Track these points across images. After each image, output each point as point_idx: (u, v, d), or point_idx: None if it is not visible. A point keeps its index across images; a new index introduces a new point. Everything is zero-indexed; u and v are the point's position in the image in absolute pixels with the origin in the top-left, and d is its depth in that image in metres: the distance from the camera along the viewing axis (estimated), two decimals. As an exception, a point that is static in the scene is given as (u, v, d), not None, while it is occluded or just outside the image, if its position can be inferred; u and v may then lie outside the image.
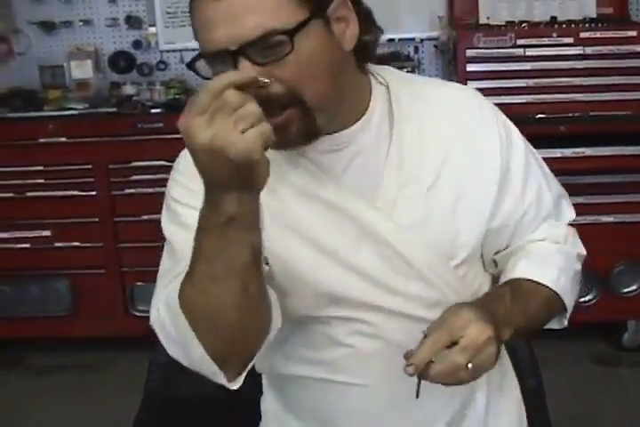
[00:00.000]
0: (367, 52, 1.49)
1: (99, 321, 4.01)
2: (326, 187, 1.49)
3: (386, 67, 1.61)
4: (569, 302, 1.56)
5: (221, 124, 1.18)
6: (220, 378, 1.38)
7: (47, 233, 4.06)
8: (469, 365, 1.30)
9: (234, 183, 1.22)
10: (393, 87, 1.55)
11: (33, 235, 4.06)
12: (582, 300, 3.75)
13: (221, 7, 1.33)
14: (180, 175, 1.54)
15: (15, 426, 3.60)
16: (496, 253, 1.62)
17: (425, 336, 1.33)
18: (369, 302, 1.52)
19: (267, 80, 1.28)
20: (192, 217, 1.35)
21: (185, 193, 1.51)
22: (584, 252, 1.65)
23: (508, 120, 1.61)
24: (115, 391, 3.72)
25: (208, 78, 1.37)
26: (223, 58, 1.35)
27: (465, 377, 1.31)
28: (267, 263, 1.41)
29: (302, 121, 1.39)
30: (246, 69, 1.32)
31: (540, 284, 1.54)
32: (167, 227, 1.55)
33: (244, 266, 1.29)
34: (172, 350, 1.41)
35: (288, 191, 1.50)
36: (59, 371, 4.09)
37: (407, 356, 1.32)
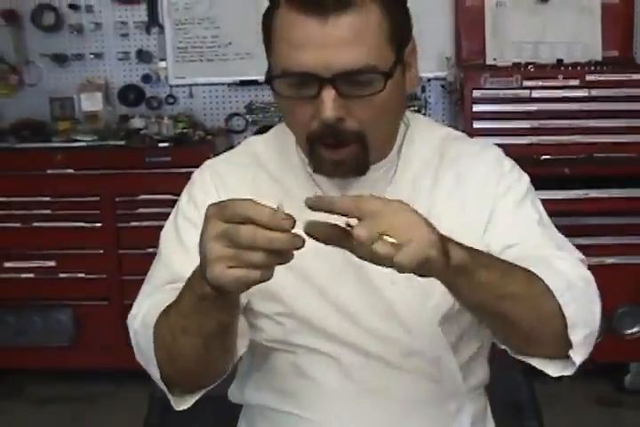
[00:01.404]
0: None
1: (100, 352, 4.01)
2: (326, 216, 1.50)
3: (417, 114, 1.64)
4: (571, 316, 1.35)
5: (216, 248, 1.13)
6: (170, 397, 1.41)
7: (52, 263, 4.07)
8: (389, 238, 1.10)
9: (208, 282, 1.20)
10: (413, 131, 1.56)
11: (37, 265, 4.07)
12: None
13: (326, 31, 1.31)
14: (193, 190, 1.57)
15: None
16: None
17: None
18: (343, 337, 1.49)
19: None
20: (191, 235, 1.37)
21: (192, 209, 1.53)
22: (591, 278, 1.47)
23: (522, 175, 1.58)
24: (114, 424, 3.71)
25: (284, 96, 1.38)
26: (308, 81, 1.34)
27: (384, 252, 1.10)
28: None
29: (359, 158, 1.41)
30: (328, 98, 1.32)
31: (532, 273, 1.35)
32: (167, 231, 1.57)
33: (210, 333, 1.30)
34: (138, 357, 1.44)
35: None
36: (59, 402, 4.08)
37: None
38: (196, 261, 1.25)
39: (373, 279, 1.48)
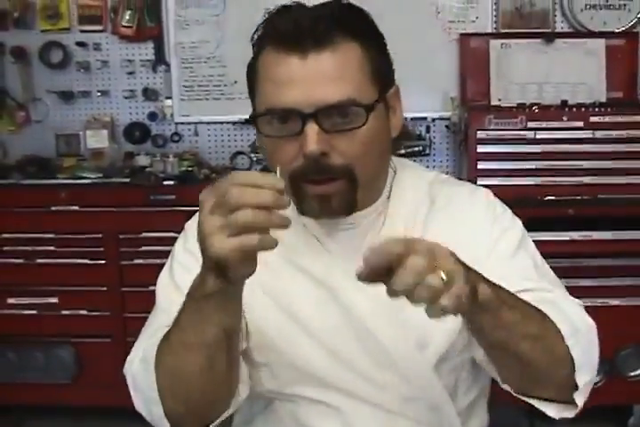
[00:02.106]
0: (394, 144, 1.52)
1: (102, 390, 3.98)
2: (320, 264, 1.49)
3: (404, 159, 1.65)
4: (578, 358, 1.35)
5: (212, 221, 1.15)
6: None
7: (54, 300, 4.06)
8: (442, 274, 1.09)
9: (213, 267, 1.21)
10: (401, 176, 1.57)
11: (40, 301, 4.06)
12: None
13: (307, 68, 1.35)
14: (188, 237, 1.57)
15: None
16: None
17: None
18: (341, 386, 1.48)
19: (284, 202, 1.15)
20: (184, 279, 1.38)
21: (187, 256, 1.53)
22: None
23: (514, 219, 1.59)
24: (114, 463, 3.68)
25: (268, 135, 1.39)
26: (291, 117, 1.36)
27: (436, 285, 1.09)
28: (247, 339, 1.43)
29: (347, 194, 1.41)
30: (311, 132, 1.33)
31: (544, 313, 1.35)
32: (162, 281, 1.57)
33: (212, 341, 1.29)
34: (137, 403, 1.43)
35: (279, 261, 1.49)
36: (58, 440, 4.05)
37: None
38: None
39: (370, 328, 1.47)
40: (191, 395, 1.35)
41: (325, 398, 1.49)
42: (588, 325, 1.43)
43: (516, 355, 1.31)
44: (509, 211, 1.59)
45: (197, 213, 1.60)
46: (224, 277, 1.20)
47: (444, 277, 1.09)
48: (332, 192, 1.40)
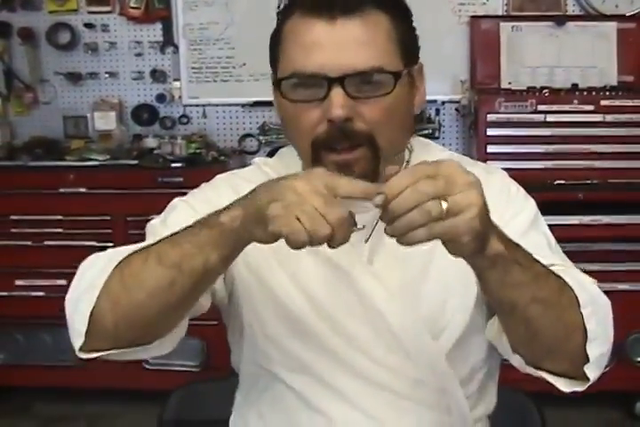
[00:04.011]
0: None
1: (109, 372, 3.97)
2: None
3: (420, 138, 1.63)
4: (592, 329, 1.32)
5: (295, 200, 1.14)
6: (76, 342, 1.40)
7: (62, 282, 4.04)
8: (443, 202, 1.09)
9: (250, 216, 1.21)
10: (417, 155, 1.56)
11: (48, 283, 4.06)
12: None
13: (335, 33, 1.34)
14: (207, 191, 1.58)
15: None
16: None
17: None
18: (348, 366, 1.48)
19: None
20: (179, 215, 1.43)
21: (201, 202, 1.53)
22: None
23: (528, 199, 1.58)
24: (121, 445, 3.70)
25: (292, 100, 1.38)
26: (316, 83, 1.35)
27: (435, 211, 1.09)
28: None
29: (369, 162, 1.40)
30: (337, 97, 1.33)
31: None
32: (151, 225, 1.58)
33: (189, 268, 1.27)
34: (70, 294, 1.41)
35: None
36: (66, 421, 4.07)
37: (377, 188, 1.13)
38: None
39: (382, 312, 1.47)
40: (134, 303, 1.32)
41: (332, 377, 1.49)
42: (605, 299, 1.40)
43: (525, 320, 1.29)
44: (523, 191, 1.59)
45: (215, 178, 1.62)
46: (266, 236, 1.18)
47: (444, 207, 1.09)
48: (353, 160, 1.39)
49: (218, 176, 1.63)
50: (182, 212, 1.50)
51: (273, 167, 1.60)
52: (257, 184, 1.54)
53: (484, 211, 1.13)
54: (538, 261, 1.28)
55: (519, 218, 1.52)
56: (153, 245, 1.32)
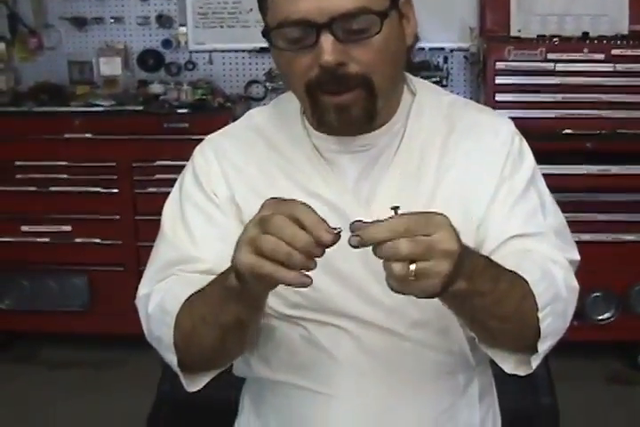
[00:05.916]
0: (408, 55, 1.51)
1: (115, 318, 4.01)
2: (330, 187, 1.49)
3: (423, 80, 1.62)
4: (544, 330, 1.37)
5: (252, 231, 1.16)
6: (183, 380, 1.45)
7: (68, 228, 4.07)
8: (412, 266, 1.11)
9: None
10: (420, 98, 1.54)
11: (53, 229, 4.08)
12: (599, 318, 3.73)
13: None
14: (197, 169, 1.58)
15: (26, 420, 3.60)
16: None
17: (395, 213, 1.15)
18: (349, 310, 1.49)
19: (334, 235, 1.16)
20: (196, 221, 1.50)
21: (197, 191, 1.55)
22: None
23: (528, 155, 1.56)
24: (127, 389, 3.72)
25: (282, 49, 1.38)
26: (304, 30, 1.35)
27: (399, 273, 1.11)
28: None
29: (366, 102, 1.40)
30: (326, 43, 1.32)
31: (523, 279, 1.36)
32: (169, 208, 1.58)
33: (226, 326, 1.35)
34: (149, 339, 1.50)
35: (289, 185, 1.50)
36: (72, 366, 4.10)
37: (356, 227, 1.14)
38: (201, 246, 1.43)
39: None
40: (203, 357, 1.43)
41: (335, 321, 1.49)
42: (573, 289, 1.45)
43: (483, 328, 1.37)
44: (525, 143, 1.57)
45: (205, 141, 1.62)
46: (242, 282, 1.22)
47: (412, 268, 1.11)
48: (350, 102, 1.38)
49: (197, 148, 1.63)
50: (198, 217, 1.54)
51: (269, 119, 1.59)
52: (243, 140, 1.55)
53: (451, 277, 1.15)
54: (505, 274, 1.31)
55: (518, 176, 1.51)
56: (194, 301, 1.39)
